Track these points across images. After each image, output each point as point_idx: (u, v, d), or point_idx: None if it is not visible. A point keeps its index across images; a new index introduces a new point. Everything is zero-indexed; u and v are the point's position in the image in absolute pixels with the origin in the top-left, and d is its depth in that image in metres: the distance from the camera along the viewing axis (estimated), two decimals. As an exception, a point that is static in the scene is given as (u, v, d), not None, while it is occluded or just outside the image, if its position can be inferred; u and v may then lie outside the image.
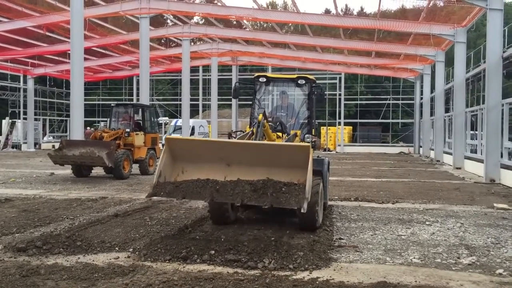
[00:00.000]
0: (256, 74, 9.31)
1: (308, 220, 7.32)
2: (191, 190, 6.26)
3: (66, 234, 6.78)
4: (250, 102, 9.47)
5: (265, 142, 6.14)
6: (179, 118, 36.63)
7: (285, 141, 7.40)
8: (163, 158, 6.49)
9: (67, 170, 17.10)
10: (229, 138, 7.45)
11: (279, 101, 9.38)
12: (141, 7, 23.68)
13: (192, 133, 34.20)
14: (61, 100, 46.19)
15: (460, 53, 21.69)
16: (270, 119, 8.16)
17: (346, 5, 49.82)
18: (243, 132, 7.85)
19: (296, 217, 7.66)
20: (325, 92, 10.18)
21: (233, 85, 9.75)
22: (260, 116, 7.26)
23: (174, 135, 6.68)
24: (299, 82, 8.89)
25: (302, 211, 5.95)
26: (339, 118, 41.15)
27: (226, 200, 6.32)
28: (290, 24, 32.88)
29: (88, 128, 36.33)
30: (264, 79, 9.08)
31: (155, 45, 33.28)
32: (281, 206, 6.04)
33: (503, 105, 16.02)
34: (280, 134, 8.14)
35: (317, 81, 9.47)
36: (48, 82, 44.17)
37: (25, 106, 38.89)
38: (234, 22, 30.95)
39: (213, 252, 5.85)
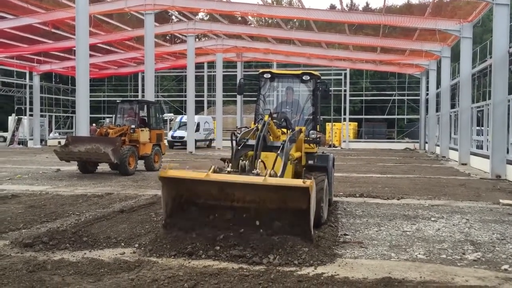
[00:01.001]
0: (261, 70, 9.23)
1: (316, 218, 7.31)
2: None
3: (72, 229, 6.81)
4: (255, 99, 9.44)
5: (262, 182, 5.94)
6: (184, 114, 36.69)
7: (289, 138, 7.39)
8: (164, 197, 6.39)
9: (73, 166, 17.18)
10: (232, 138, 7.42)
11: (284, 97, 9.33)
12: (146, 3, 23.70)
13: (197, 130, 34.25)
14: (67, 97, 46.38)
15: (466, 49, 21.56)
16: (275, 115, 8.15)
17: (351, 1, 49.56)
18: (248, 128, 7.85)
19: None
20: (330, 88, 10.18)
21: (238, 82, 9.75)
22: (266, 117, 7.24)
23: (170, 172, 6.34)
24: (303, 78, 8.84)
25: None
26: (344, 114, 41.09)
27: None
28: (295, 20, 32.84)
29: (94, 124, 36.50)
30: (269, 75, 9.01)
31: (160, 42, 33.30)
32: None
33: (509, 100, 15.92)
34: (285, 130, 8.14)
35: (322, 77, 9.46)
36: (53, 79, 44.40)
37: (31, 103, 39.09)
38: (239, 18, 30.90)
39: (218, 247, 5.86)
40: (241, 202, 6.30)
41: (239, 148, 7.15)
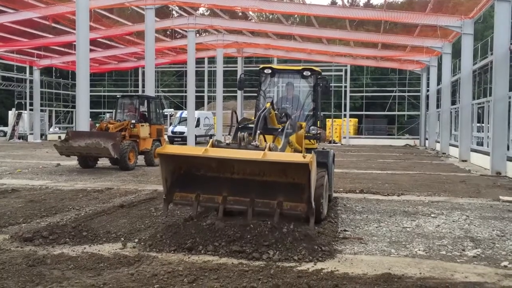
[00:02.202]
0: (262, 66, 9.23)
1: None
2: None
3: (72, 224, 6.81)
4: (255, 94, 9.45)
5: (261, 159, 6.01)
6: (185, 109, 36.65)
7: (289, 123, 7.49)
8: (163, 173, 6.50)
9: (73, 161, 17.18)
10: (232, 115, 7.53)
11: (284, 92, 9.35)
12: (146, -3, 23.63)
13: (198, 125, 34.22)
14: (67, 91, 46.33)
15: (467, 45, 21.51)
16: (276, 112, 8.16)
17: (352, -4, 49.32)
18: (247, 120, 7.94)
19: None
20: (331, 84, 10.19)
21: (238, 77, 9.77)
22: (268, 104, 7.43)
23: (168, 148, 6.63)
24: (304, 73, 8.84)
25: (309, 226, 6.23)
26: (345, 110, 41.05)
27: (237, 207, 6.56)
28: (296, 16, 32.69)
29: (90, 120, 36.33)
30: (270, 71, 9.03)
31: (161, 37, 33.23)
32: (287, 214, 6.38)
33: (510, 97, 15.91)
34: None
35: (323, 73, 9.46)
36: (54, 73, 44.32)
37: (31, 97, 39.05)
38: (240, 14, 30.84)
39: (217, 243, 5.87)
40: (241, 174, 6.41)
41: (240, 126, 7.30)
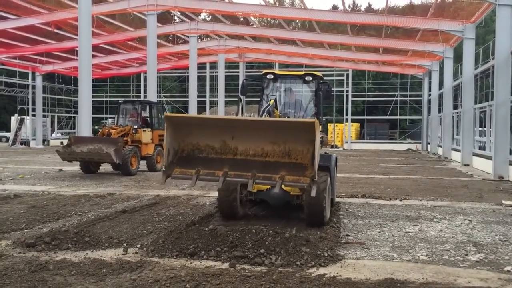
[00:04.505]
0: (264, 71, 9.32)
1: (315, 216, 7.42)
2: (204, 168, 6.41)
3: (74, 230, 6.82)
4: (257, 99, 9.53)
5: (269, 118, 6.40)
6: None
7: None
8: (168, 136, 6.48)
9: (75, 167, 17.20)
10: (239, 99, 8.13)
11: (287, 97, 9.40)
12: (148, 3, 23.70)
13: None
14: (69, 97, 46.43)
15: (469, 49, 21.52)
16: (279, 114, 8.31)
17: (354, 1, 49.44)
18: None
19: (303, 213, 7.71)
20: (332, 89, 10.29)
21: (240, 83, 9.85)
22: (272, 101, 7.77)
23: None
24: (306, 78, 8.93)
25: (311, 194, 6.15)
26: (347, 114, 41.04)
27: (237, 180, 6.48)
28: (297, 21, 32.78)
29: None
30: (272, 76, 9.11)
31: (163, 42, 33.32)
32: (289, 186, 6.41)
33: (512, 101, 15.91)
34: None
35: (325, 78, 9.51)
36: (56, 79, 44.44)
37: (33, 103, 39.15)
38: (241, 19, 30.89)
39: (219, 248, 5.86)
40: (245, 145, 6.37)
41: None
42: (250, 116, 7.05)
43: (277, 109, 8.01)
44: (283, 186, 6.40)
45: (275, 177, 6.14)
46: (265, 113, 7.39)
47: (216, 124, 6.67)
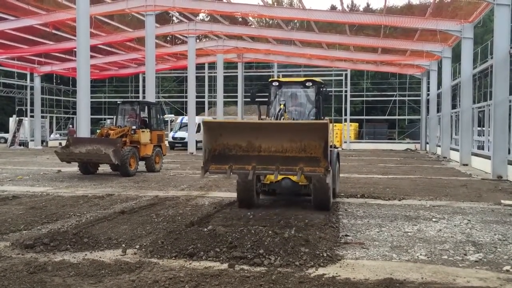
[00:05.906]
0: (270, 79, 10.80)
1: (322, 200, 8.84)
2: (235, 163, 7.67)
3: (73, 231, 6.81)
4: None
5: (287, 121, 8.35)
6: (185, 115, 36.67)
7: None
8: (204, 139, 7.79)
9: (74, 168, 17.18)
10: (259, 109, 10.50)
11: (290, 101, 10.56)
12: (146, 4, 23.71)
13: (198, 131, 34.23)
14: (68, 98, 46.40)
15: (467, 49, 21.54)
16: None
17: (352, 1, 49.46)
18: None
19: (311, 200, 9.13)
20: (331, 90, 11.61)
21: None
22: (282, 106, 9.40)
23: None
24: (307, 84, 10.23)
25: (326, 181, 7.77)
26: (345, 115, 41.07)
27: (265, 172, 7.91)
28: (295, 21, 32.78)
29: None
30: (277, 83, 10.50)
31: (161, 43, 33.31)
32: (307, 175, 7.86)
33: (510, 101, 15.92)
34: None
35: (323, 78, 10.12)
36: (54, 80, 44.37)
37: (32, 104, 39.09)
38: (240, 19, 30.90)
39: (218, 249, 5.86)
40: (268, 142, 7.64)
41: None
42: (265, 119, 9.49)
43: (285, 112, 9.50)
44: (292, 177, 8.44)
45: (295, 168, 7.36)
46: (280, 116, 9.06)
47: (243, 127, 8.25)
